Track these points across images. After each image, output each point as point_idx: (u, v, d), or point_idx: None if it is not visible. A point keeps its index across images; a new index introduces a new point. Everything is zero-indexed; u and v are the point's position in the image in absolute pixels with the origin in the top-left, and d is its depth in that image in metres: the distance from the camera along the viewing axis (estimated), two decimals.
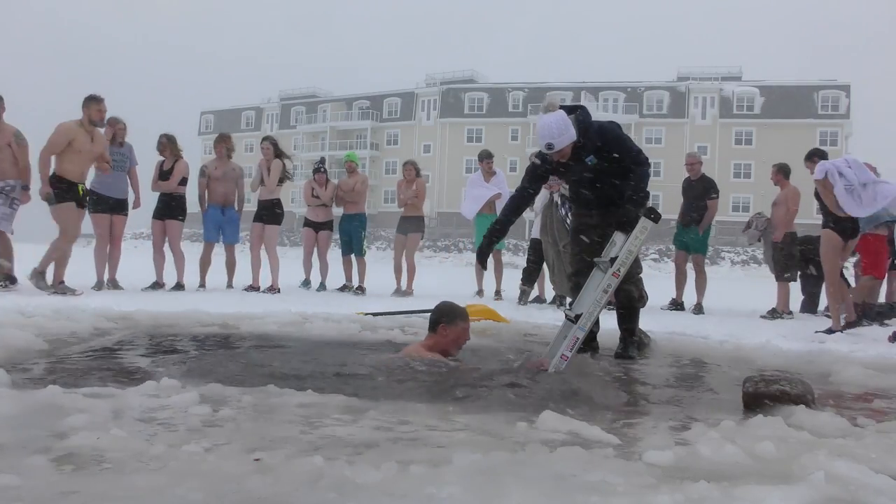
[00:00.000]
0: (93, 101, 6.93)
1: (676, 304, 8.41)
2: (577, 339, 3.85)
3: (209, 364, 3.64)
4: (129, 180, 7.87)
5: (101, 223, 7.67)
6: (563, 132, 4.07)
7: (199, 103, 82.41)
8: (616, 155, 4.23)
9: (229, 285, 8.45)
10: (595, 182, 4.31)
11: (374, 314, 5.83)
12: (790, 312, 7.90)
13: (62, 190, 6.79)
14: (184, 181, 8.28)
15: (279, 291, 8.27)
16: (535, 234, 8.08)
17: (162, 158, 8.23)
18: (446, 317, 3.85)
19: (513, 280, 8.89)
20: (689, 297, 8.48)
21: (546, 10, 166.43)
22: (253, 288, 8.37)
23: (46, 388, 2.46)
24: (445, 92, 60.57)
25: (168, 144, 8.19)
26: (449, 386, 3.20)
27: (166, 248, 8.24)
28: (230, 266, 8.58)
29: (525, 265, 8.50)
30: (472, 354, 4.04)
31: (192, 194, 8.64)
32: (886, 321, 7.33)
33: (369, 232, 9.79)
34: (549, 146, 4.09)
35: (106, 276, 7.73)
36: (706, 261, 8.92)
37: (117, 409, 2.31)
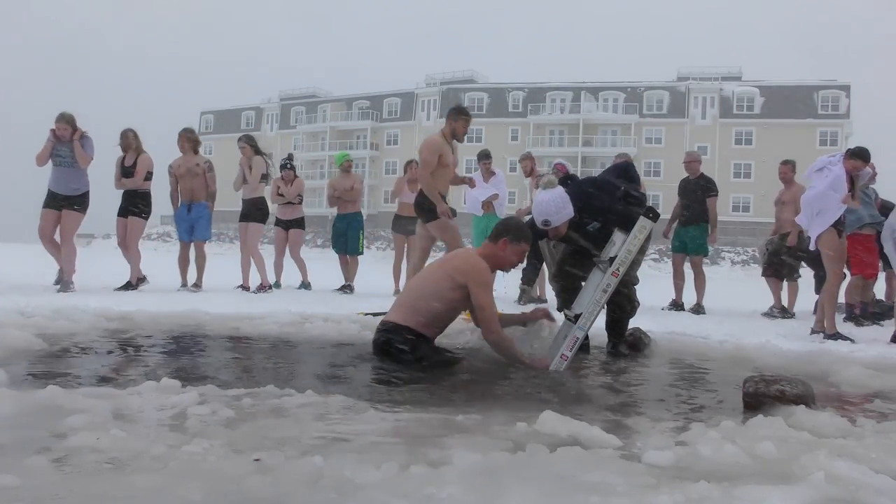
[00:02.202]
0: (461, 116, 6.39)
1: (677, 306, 8.40)
2: (577, 338, 3.85)
3: (209, 364, 3.65)
4: (86, 173, 7.46)
5: (48, 219, 7.30)
6: (560, 210, 4.06)
7: (199, 103, 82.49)
8: (609, 200, 4.23)
9: (195, 284, 8.07)
10: (597, 239, 4.29)
11: (375, 314, 5.83)
12: (793, 313, 7.89)
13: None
14: (149, 176, 7.94)
15: (271, 289, 8.21)
16: None
17: (123, 154, 7.92)
18: (513, 233, 3.83)
19: (512, 280, 8.87)
20: (689, 298, 8.46)
21: (546, 9, 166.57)
22: (244, 288, 8.25)
23: (46, 388, 2.45)
24: (445, 92, 60.53)
25: (134, 140, 7.89)
26: (449, 386, 3.20)
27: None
28: (198, 263, 8.24)
29: (524, 265, 8.48)
30: (472, 355, 4.04)
31: (162, 192, 8.41)
32: (884, 321, 7.35)
33: (369, 232, 9.72)
34: (546, 223, 4.08)
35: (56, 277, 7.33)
36: (706, 261, 8.90)
37: (117, 409, 2.30)
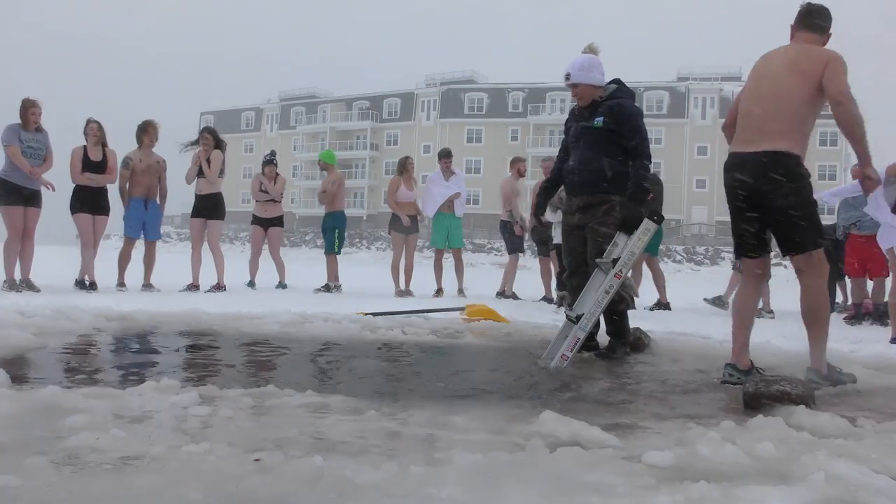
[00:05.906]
0: None
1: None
2: (578, 339, 3.85)
3: (209, 364, 3.65)
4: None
5: (15, 216, 6.97)
6: (584, 69, 4.09)
7: (199, 103, 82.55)
8: (624, 126, 4.16)
9: (146, 284, 7.73)
10: (588, 150, 4.20)
11: (375, 314, 5.83)
12: (771, 312, 7.85)
13: None
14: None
15: (225, 289, 7.95)
16: (557, 239, 8.05)
17: (83, 145, 7.56)
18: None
19: (499, 279, 8.85)
20: (675, 298, 8.41)
21: (546, 10, 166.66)
22: (193, 287, 7.90)
23: (46, 388, 2.45)
24: (445, 92, 60.58)
25: (101, 133, 7.59)
26: (449, 386, 3.20)
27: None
28: (149, 263, 7.90)
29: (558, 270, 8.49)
30: (472, 355, 4.05)
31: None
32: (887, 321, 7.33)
33: (368, 232, 9.75)
34: (567, 76, 4.11)
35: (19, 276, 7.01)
36: (705, 260, 8.87)
37: (117, 409, 2.30)
